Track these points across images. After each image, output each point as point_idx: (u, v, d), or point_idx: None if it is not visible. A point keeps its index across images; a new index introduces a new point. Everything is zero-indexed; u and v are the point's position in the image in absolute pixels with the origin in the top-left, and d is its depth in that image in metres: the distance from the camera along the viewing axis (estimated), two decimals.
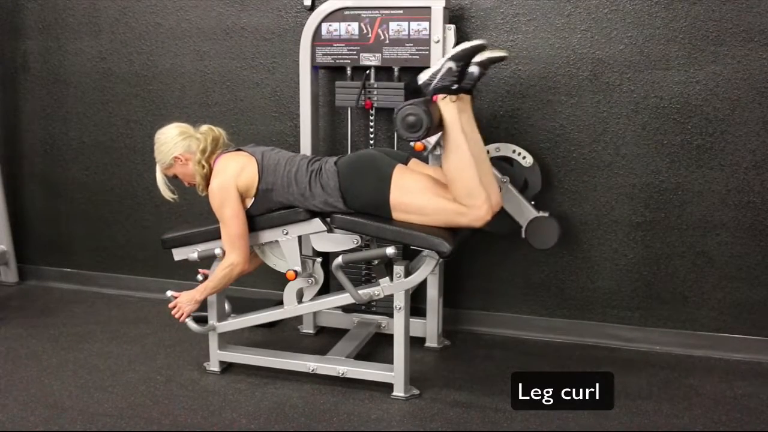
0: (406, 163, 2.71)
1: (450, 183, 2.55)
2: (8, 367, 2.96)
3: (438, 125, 2.51)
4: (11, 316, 3.52)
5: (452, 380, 2.86)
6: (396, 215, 2.58)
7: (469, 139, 2.55)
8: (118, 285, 3.88)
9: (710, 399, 2.71)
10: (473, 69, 2.54)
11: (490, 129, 3.18)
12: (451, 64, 2.50)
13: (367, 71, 3.15)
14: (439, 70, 2.53)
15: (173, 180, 2.85)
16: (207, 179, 2.75)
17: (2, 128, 3.97)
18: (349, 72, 3.16)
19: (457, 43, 2.97)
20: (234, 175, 2.67)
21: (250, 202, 2.71)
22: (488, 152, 2.90)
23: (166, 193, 2.83)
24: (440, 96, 2.53)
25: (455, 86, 2.51)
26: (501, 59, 2.60)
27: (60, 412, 2.59)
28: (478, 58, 2.53)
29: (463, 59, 2.50)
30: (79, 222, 3.93)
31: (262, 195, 2.69)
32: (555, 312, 3.29)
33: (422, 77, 2.58)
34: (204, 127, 2.79)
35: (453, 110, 2.52)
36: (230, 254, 2.68)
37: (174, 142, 2.75)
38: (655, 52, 3.00)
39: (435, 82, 2.53)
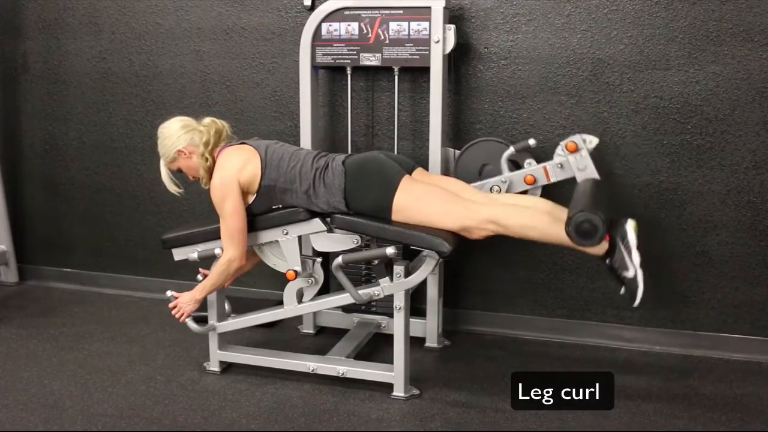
0: (411, 171, 2.71)
1: (508, 207, 2.58)
2: (8, 367, 2.96)
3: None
4: (11, 316, 3.52)
5: (452, 380, 2.86)
6: (396, 219, 2.58)
7: (552, 242, 2.56)
8: (118, 285, 3.88)
9: (710, 399, 2.71)
10: (629, 273, 2.49)
11: (490, 129, 3.19)
12: (638, 280, 2.45)
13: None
14: (631, 253, 2.47)
15: (177, 174, 2.85)
16: (210, 172, 2.74)
17: (2, 128, 3.97)
18: (349, 72, 3.16)
19: (457, 43, 2.99)
20: (237, 170, 2.67)
21: (251, 198, 2.71)
22: (513, 149, 2.91)
23: (171, 187, 2.83)
24: (609, 240, 2.49)
25: (611, 263, 2.50)
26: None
27: (60, 412, 2.59)
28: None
29: (634, 290, 2.47)
30: (79, 222, 3.93)
31: (265, 191, 2.69)
32: (555, 312, 3.29)
33: (630, 231, 2.50)
34: (207, 120, 2.79)
35: (596, 251, 2.51)
36: (228, 249, 2.68)
37: (177, 136, 2.74)
38: (655, 52, 3.00)
39: (620, 246, 2.48)
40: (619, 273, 2.49)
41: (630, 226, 2.51)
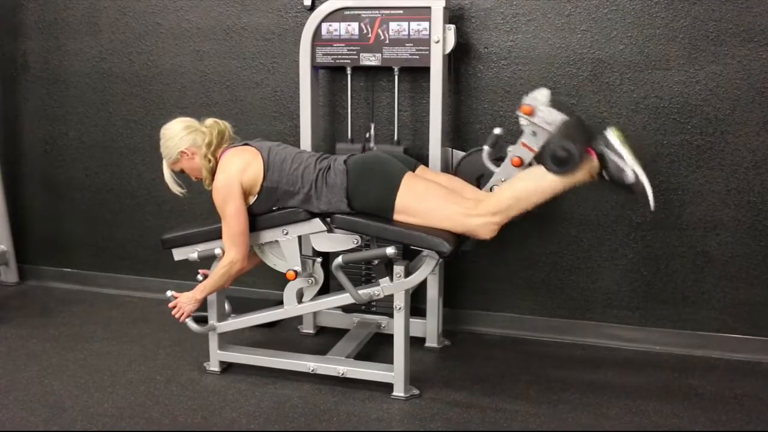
0: (413, 169, 2.71)
1: (499, 189, 2.60)
2: (8, 367, 2.96)
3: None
4: (11, 316, 3.52)
5: (452, 380, 2.86)
6: (397, 218, 2.58)
7: (551, 193, 2.53)
8: (118, 285, 3.88)
9: (710, 399, 2.71)
10: (628, 175, 2.45)
11: (490, 129, 3.18)
12: (640, 179, 2.40)
13: (367, 134, 3.19)
14: (622, 156, 2.42)
15: (180, 175, 2.85)
16: (213, 173, 2.74)
17: (2, 128, 3.97)
18: (349, 72, 3.16)
19: (457, 43, 2.98)
20: (239, 172, 2.67)
21: (252, 200, 2.71)
22: (483, 149, 2.88)
23: (175, 188, 2.82)
24: (597, 156, 2.45)
25: (607, 175, 2.45)
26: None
27: (60, 412, 2.59)
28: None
29: (643, 191, 2.42)
30: (79, 222, 3.93)
31: (266, 193, 2.69)
32: (555, 312, 3.29)
33: (613, 137, 2.45)
34: (209, 121, 2.79)
35: (585, 174, 2.48)
36: (230, 251, 2.68)
37: (180, 137, 2.74)
38: (655, 52, 3.00)
39: (609, 155, 2.43)
40: (621, 181, 2.43)
41: (611, 133, 2.47)
